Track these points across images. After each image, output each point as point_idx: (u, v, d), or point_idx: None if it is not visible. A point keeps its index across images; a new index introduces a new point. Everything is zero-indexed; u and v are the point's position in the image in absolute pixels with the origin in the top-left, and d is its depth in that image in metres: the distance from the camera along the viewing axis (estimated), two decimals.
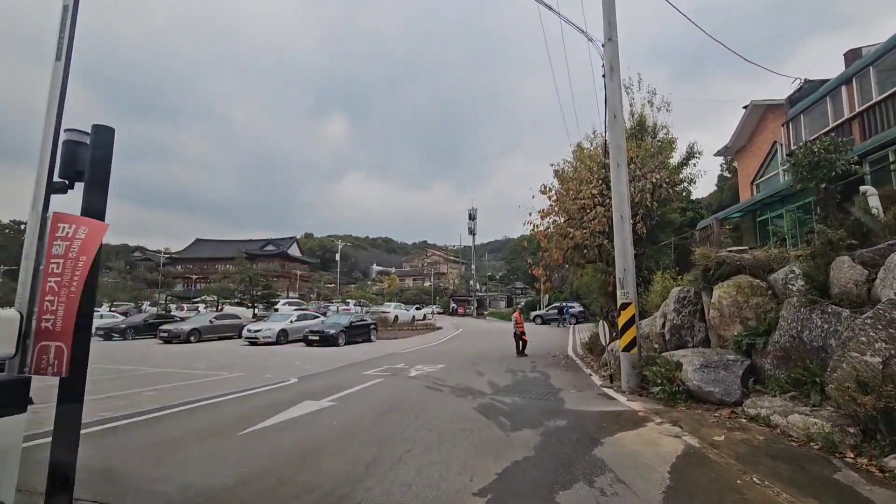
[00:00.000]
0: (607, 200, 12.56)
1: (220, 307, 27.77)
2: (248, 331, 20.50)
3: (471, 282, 54.47)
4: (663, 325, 9.69)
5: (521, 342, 15.77)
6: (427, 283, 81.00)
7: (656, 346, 9.73)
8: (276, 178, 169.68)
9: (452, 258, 65.18)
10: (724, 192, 29.27)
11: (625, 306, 8.85)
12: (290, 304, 29.82)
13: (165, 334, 21.29)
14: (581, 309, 35.38)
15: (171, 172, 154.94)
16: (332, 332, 19.48)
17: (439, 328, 28.49)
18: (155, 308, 31.58)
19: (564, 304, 35.01)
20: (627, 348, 8.72)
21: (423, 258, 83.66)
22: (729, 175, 31.98)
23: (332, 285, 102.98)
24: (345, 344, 19.90)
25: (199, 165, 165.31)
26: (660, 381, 7.73)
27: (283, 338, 20.60)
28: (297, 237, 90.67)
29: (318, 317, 22.92)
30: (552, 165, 14.61)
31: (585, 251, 13.03)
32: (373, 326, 22.13)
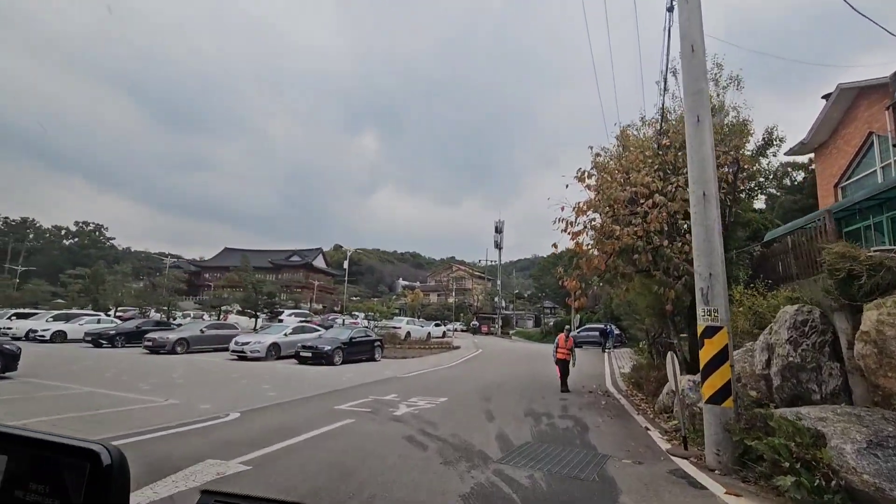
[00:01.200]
0: (669, 187, 9.37)
1: (223, 316, 25.65)
2: (236, 343, 17.99)
3: (496, 298, 50.99)
4: (767, 364, 6.35)
5: (565, 374, 12.31)
6: (452, 299, 77.92)
7: (754, 393, 6.40)
8: (310, 192, 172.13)
9: (478, 274, 61.93)
10: (777, 206, 24.94)
11: (711, 332, 5.62)
12: (295, 314, 27.44)
13: (150, 343, 19.09)
14: (616, 332, 31.52)
15: (211, 184, 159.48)
16: (327, 348, 16.71)
17: (456, 347, 25.35)
18: (159, 315, 29.75)
19: (607, 324, 31.22)
20: (716, 399, 5.47)
21: (448, 273, 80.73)
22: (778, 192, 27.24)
23: (357, 298, 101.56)
24: (341, 363, 17.09)
25: (238, 178, 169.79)
26: (786, 462, 4.46)
27: (274, 353, 17.98)
28: (324, 249, 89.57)
29: (317, 330, 20.27)
30: (590, 148, 11.39)
31: (636, 256, 9.77)
32: (377, 343, 19.24)
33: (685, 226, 10.04)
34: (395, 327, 23.62)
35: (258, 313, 25.16)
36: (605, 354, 24.61)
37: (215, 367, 15.37)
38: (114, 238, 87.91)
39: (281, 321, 25.62)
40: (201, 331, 20.52)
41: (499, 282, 48.49)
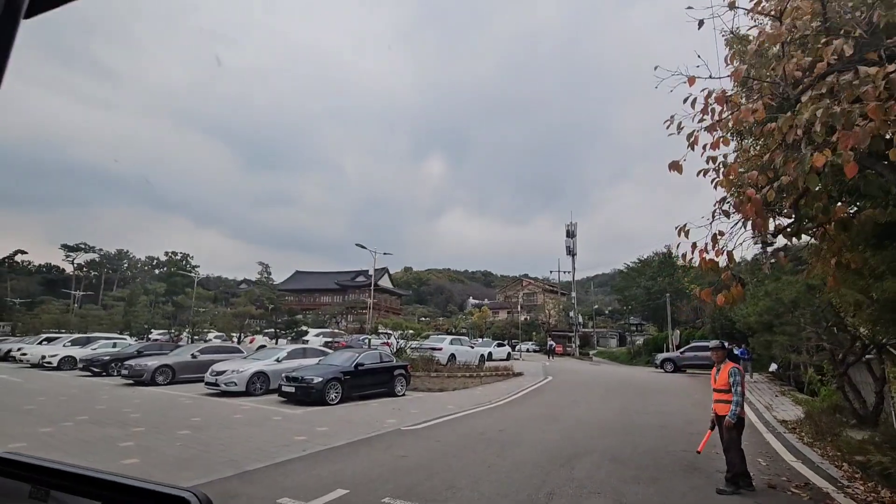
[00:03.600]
0: None
1: (240, 338, 21.98)
2: (212, 373, 13.46)
3: (570, 313, 43.39)
4: None
5: (729, 444, 5.64)
6: (523, 316, 70.77)
7: None
8: (382, 218, 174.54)
9: (550, 287, 54.53)
10: None
11: None
12: (323, 334, 23.07)
13: (127, 372, 15.31)
14: (744, 350, 23.23)
15: (293, 217, 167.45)
16: (317, 380, 11.48)
17: (518, 374, 19.07)
18: (186, 337, 26.78)
19: (727, 342, 23.21)
20: None
21: (519, 289, 73.78)
22: None
23: (427, 318, 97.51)
24: (340, 399, 11.80)
25: (316, 210, 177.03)
26: None
27: (260, 385, 13.18)
28: (388, 269, 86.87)
29: (325, 353, 15.30)
30: None
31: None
32: (399, 372, 13.72)
33: None
34: (434, 348, 18.37)
35: (279, 334, 21.00)
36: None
37: (152, 409, 10.77)
38: (198, 266, 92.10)
39: (306, 342, 21.17)
40: (192, 355, 16.39)
41: (573, 293, 40.94)
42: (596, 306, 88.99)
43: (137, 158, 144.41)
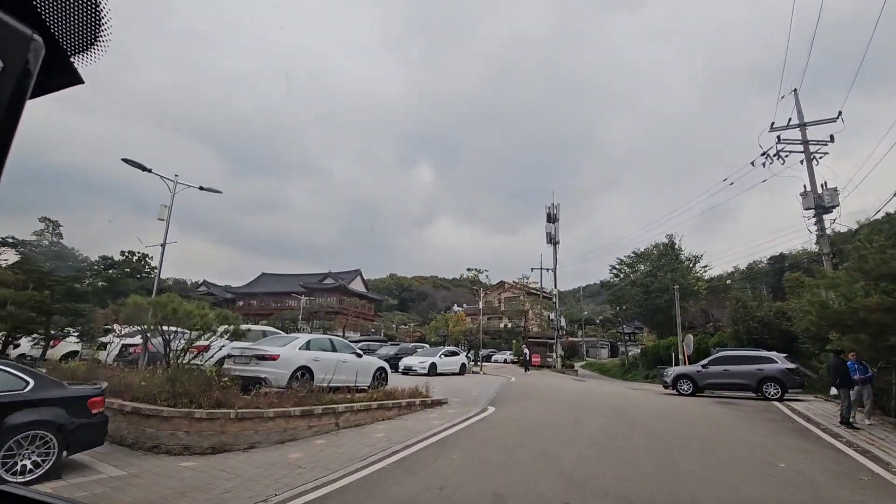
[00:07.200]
0: None
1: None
2: None
3: (551, 315, 35.09)
4: None
5: None
6: (504, 324, 62.42)
7: None
8: (370, 225, 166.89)
9: (531, 288, 46.41)
10: None
11: None
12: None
13: None
14: (789, 367, 15.17)
15: (282, 223, 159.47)
16: None
17: (439, 404, 10.68)
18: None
19: (770, 353, 15.38)
20: None
21: (501, 291, 65.66)
22: None
23: (408, 325, 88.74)
24: None
25: (305, 216, 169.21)
26: None
27: None
28: (361, 271, 78.44)
29: None
30: None
31: None
32: (95, 420, 5.48)
33: None
34: (265, 356, 8.81)
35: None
36: (766, 406, 8.89)
37: None
38: (157, 267, 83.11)
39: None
40: None
41: (555, 288, 32.63)
42: (585, 313, 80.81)
43: (119, 163, 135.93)
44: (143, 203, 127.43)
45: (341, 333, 57.18)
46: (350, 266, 79.45)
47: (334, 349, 10.41)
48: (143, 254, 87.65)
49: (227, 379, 7.18)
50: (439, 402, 10.88)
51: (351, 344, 11.78)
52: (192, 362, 7.72)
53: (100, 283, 66.74)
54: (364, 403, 8.65)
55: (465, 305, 72.47)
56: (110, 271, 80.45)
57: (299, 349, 9.49)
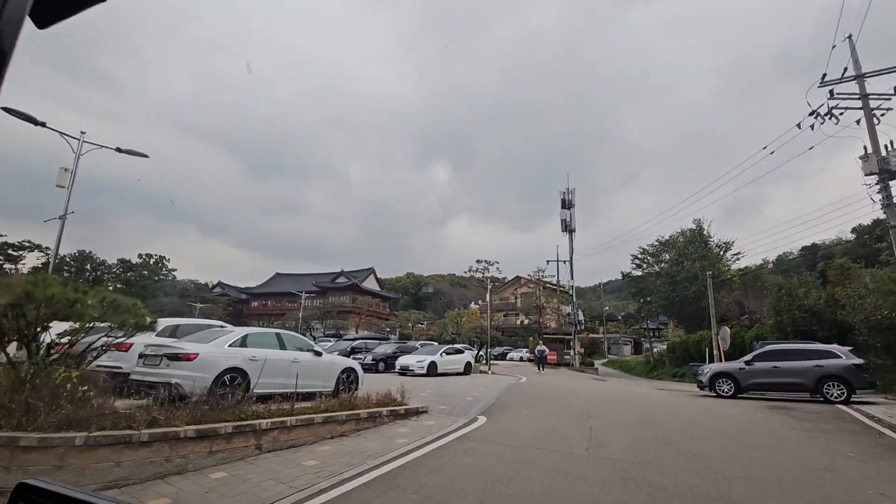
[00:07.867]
0: None
1: None
2: None
3: (568, 309, 32.40)
4: None
5: None
6: (521, 320, 59.91)
7: None
8: (388, 226, 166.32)
9: (548, 283, 43.79)
10: None
11: None
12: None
13: None
14: (855, 363, 12.38)
15: (300, 225, 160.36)
16: None
17: (417, 413, 8.53)
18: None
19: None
20: None
21: (517, 287, 63.10)
22: None
23: (422, 324, 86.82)
24: None
25: (323, 218, 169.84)
26: None
27: None
28: (375, 269, 76.85)
29: None
30: None
31: None
32: None
33: None
34: (177, 356, 6.80)
35: None
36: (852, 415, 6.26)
37: None
38: (175, 269, 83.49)
39: None
40: None
41: (571, 279, 30.00)
42: (606, 308, 77.41)
43: (142, 170, 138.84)
44: (164, 209, 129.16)
45: (354, 332, 55.53)
46: (365, 266, 77.80)
47: (282, 346, 8.32)
48: (160, 256, 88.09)
49: (85, 388, 5.12)
50: (416, 412, 8.69)
51: (307, 340, 9.66)
52: (55, 364, 5.72)
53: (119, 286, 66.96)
54: (305, 417, 6.54)
55: (480, 302, 70.07)
56: (129, 274, 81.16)
57: (228, 346, 7.44)
